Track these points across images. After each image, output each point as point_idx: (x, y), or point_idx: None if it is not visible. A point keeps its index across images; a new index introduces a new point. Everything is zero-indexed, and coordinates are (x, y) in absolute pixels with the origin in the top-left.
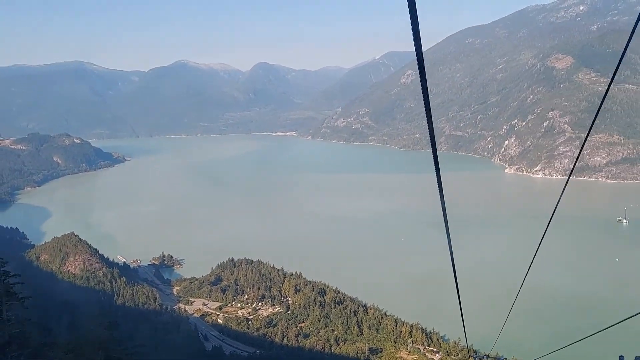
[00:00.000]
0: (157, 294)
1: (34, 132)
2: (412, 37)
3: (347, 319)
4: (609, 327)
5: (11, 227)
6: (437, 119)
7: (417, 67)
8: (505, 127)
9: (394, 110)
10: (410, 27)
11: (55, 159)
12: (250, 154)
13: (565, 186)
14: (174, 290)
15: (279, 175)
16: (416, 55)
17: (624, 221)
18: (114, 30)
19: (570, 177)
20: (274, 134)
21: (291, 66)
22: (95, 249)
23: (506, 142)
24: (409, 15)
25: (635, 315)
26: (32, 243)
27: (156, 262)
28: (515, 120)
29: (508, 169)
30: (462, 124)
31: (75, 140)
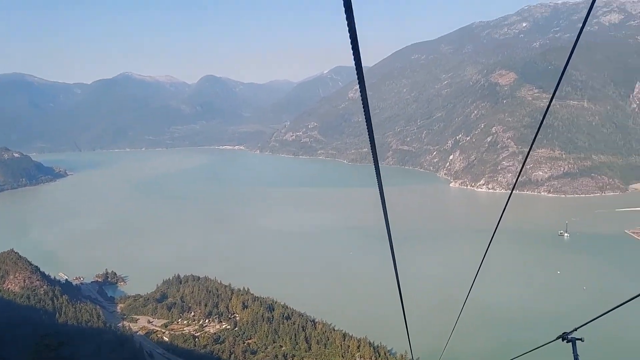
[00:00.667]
0: (101, 312)
1: None
2: (352, 55)
3: (295, 334)
4: (552, 341)
5: None
6: (384, 133)
7: (358, 84)
8: (450, 141)
9: (343, 125)
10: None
11: None
12: (197, 167)
13: (508, 200)
14: (118, 307)
15: (226, 190)
16: (356, 72)
17: (565, 234)
18: (55, 41)
19: (514, 191)
20: (221, 147)
21: (239, 79)
22: (36, 267)
23: (451, 157)
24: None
25: (580, 327)
26: None
27: (99, 279)
28: (460, 135)
29: (453, 183)
30: (408, 139)
31: (14, 154)
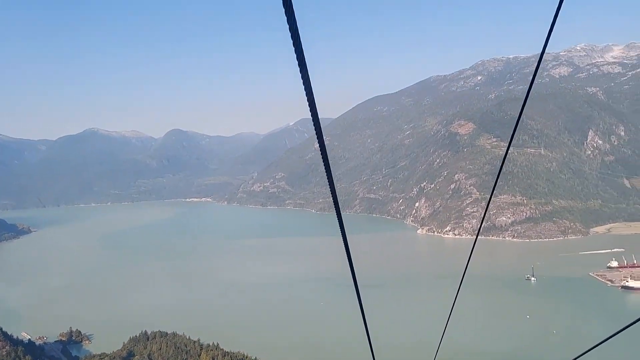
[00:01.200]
0: None
1: None
2: (309, 108)
3: None
4: None
5: None
6: (351, 182)
7: (316, 137)
8: (415, 189)
9: (310, 175)
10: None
11: None
12: (164, 221)
13: (473, 246)
14: None
15: (193, 243)
16: (314, 126)
17: (532, 279)
18: (19, 97)
19: (480, 237)
20: (188, 200)
21: (205, 132)
22: None
23: (417, 204)
24: (303, 88)
25: None
26: None
27: (63, 339)
28: (425, 183)
29: (420, 229)
30: (374, 187)
31: None
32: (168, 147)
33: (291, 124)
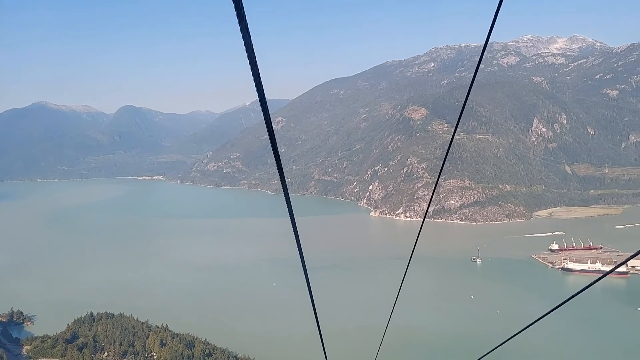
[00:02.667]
0: (4, 355)
1: None
2: (255, 90)
3: None
4: None
5: None
6: (307, 164)
7: (263, 119)
8: (369, 172)
9: (265, 155)
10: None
11: None
12: (113, 199)
13: (420, 228)
14: (24, 350)
15: (143, 222)
16: (261, 107)
17: (478, 260)
18: None
19: (429, 219)
20: (140, 178)
21: (159, 109)
22: None
23: (370, 187)
24: (250, 68)
25: (493, 350)
26: None
27: (3, 320)
28: (378, 166)
29: (373, 212)
30: (330, 169)
31: None
32: (120, 123)
33: (247, 103)
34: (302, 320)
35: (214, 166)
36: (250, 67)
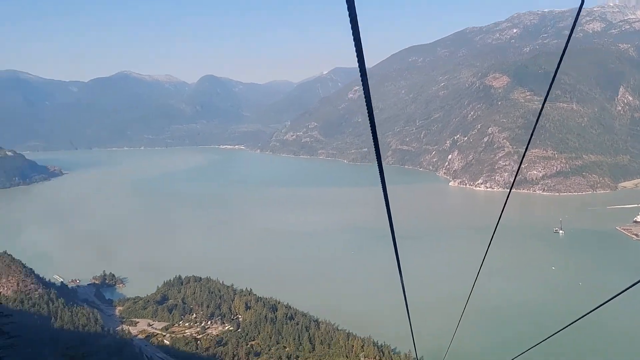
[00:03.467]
0: (99, 316)
1: None
2: (356, 57)
3: (299, 335)
4: (554, 334)
5: None
6: (384, 133)
7: (362, 85)
8: (448, 141)
9: (343, 125)
10: (354, 46)
11: None
12: (197, 167)
13: (507, 199)
14: (117, 310)
15: (227, 189)
16: (360, 73)
17: (560, 231)
18: (51, 38)
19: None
20: (221, 147)
21: (239, 79)
22: (31, 269)
23: (449, 156)
24: (352, 35)
25: (575, 322)
26: None
27: (97, 282)
28: (458, 136)
29: (452, 182)
30: (407, 139)
31: (7, 152)
32: (202, 92)
33: (325, 72)
34: (380, 287)
35: (292, 135)
36: (353, 39)
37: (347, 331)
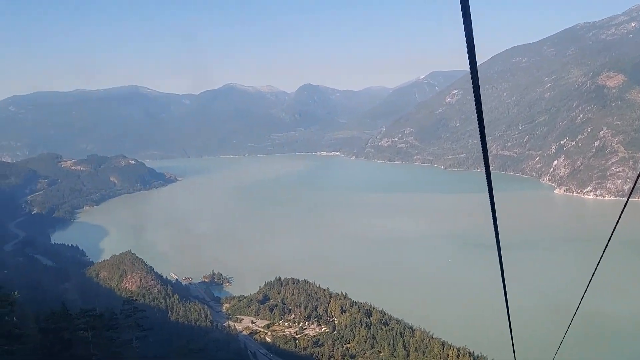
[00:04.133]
0: (208, 312)
1: (92, 154)
2: (467, 54)
3: (394, 340)
4: None
5: (72, 245)
6: None
7: (472, 85)
8: (554, 146)
9: (440, 130)
10: (466, 44)
11: (112, 179)
12: (295, 173)
13: (623, 208)
14: (224, 307)
15: (323, 195)
16: (471, 75)
17: None
18: (167, 55)
19: (625, 199)
20: (318, 153)
21: (335, 87)
22: (151, 267)
23: (555, 162)
24: (463, 31)
25: None
26: (90, 260)
27: (206, 280)
28: (565, 140)
29: (557, 189)
30: (509, 144)
31: (130, 161)
32: (300, 101)
33: (422, 77)
34: (478, 297)
35: (387, 141)
36: (466, 42)
37: (442, 340)
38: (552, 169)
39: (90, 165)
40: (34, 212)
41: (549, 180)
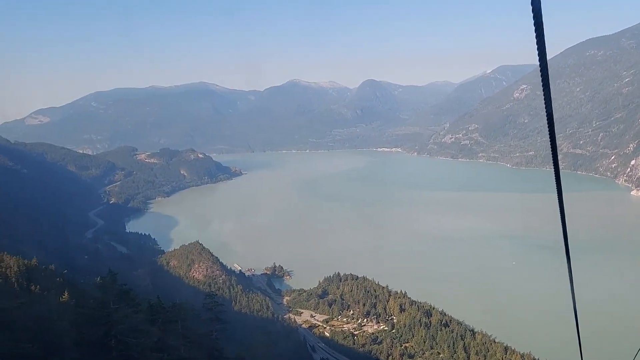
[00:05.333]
0: (270, 303)
1: (164, 147)
2: (537, 47)
3: (454, 342)
4: None
5: (144, 234)
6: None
7: (541, 79)
8: (632, 145)
9: (506, 126)
10: (535, 37)
11: (182, 172)
12: (356, 169)
13: None
14: (284, 300)
15: (384, 192)
16: (540, 69)
17: None
18: (234, 53)
19: None
20: (379, 149)
21: (398, 82)
22: (216, 257)
23: (633, 162)
24: (533, 23)
25: None
26: (161, 249)
27: (268, 272)
28: None
29: (635, 190)
30: (581, 142)
31: (199, 155)
32: (362, 97)
33: (488, 71)
34: (545, 303)
35: (450, 138)
36: (536, 36)
37: (504, 344)
38: (629, 169)
39: (162, 159)
40: (112, 201)
41: (625, 181)
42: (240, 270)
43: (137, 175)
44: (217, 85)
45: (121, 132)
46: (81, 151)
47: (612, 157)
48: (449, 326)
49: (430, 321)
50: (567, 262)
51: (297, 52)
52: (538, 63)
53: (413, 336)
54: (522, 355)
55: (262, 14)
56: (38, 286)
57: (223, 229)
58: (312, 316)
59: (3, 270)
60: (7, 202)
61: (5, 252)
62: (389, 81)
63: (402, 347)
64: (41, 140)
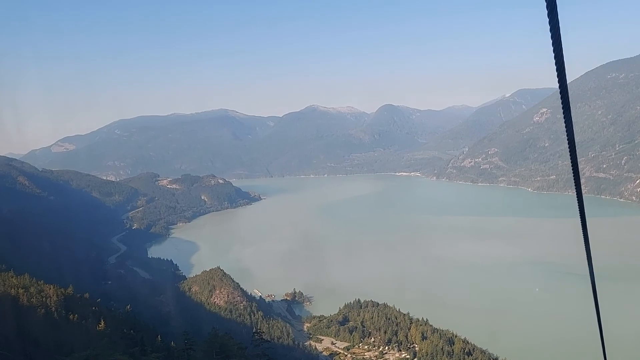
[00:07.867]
0: (290, 330)
1: (185, 173)
2: (556, 70)
3: None
4: None
5: (166, 259)
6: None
7: (561, 102)
8: None
9: (527, 150)
10: (554, 60)
11: (202, 197)
12: (375, 194)
13: None
14: (305, 326)
15: (403, 217)
16: (560, 92)
17: None
18: (253, 80)
19: None
20: (397, 174)
21: (416, 106)
22: (237, 283)
23: None
24: (551, 46)
25: None
26: (183, 274)
27: (288, 298)
28: None
29: None
30: (604, 165)
31: (219, 180)
32: (380, 122)
33: (507, 95)
34: (570, 331)
35: (470, 162)
36: (554, 58)
37: None
38: None
39: (183, 184)
40: (134, 227)
41: None
42: (260, 296)
43: (159, 201)
44: (237, 112)
45: (144, 159)
46: (105, 177)
47: (638, 181)
48: (472, 354)
49: (452, 349)
50: (593, 290)
51: (315, 78)
52: (558, 86)
53: None
54: None
55: (280, 42)
56: (76, 315)
57: (243, 254)
58: (333, 343)
59: (44, 300)
60: (35, 229)
61: (43, 281)
62: (407, 105)
63: None
64: (67, 167)
